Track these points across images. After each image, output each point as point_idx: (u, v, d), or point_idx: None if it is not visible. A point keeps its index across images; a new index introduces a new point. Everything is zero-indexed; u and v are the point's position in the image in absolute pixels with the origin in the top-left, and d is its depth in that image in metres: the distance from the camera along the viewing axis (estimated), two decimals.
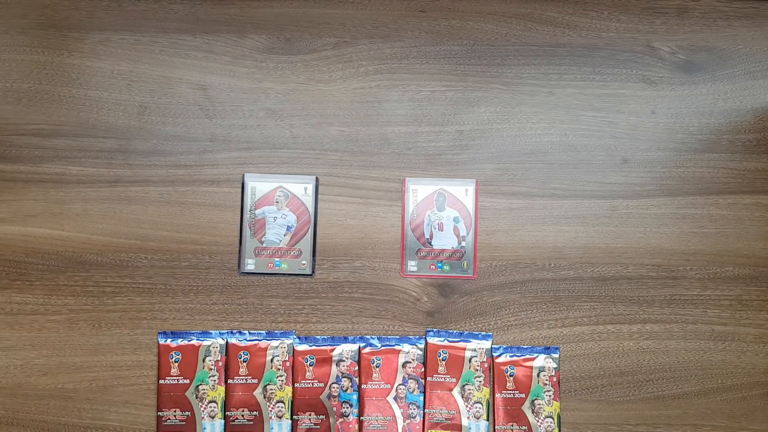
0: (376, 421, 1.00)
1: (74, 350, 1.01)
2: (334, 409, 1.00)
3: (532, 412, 1.01)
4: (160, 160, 1.03)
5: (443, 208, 1.03)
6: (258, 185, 1.03)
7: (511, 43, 1.05)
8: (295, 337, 1.02)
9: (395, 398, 1.00)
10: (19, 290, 1.01)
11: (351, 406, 1.00)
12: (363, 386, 1.01)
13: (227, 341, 1.01)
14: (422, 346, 1.02)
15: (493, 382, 1.02)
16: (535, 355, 1.02)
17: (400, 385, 1.01)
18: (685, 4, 1.05)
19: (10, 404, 1.00)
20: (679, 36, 1.05)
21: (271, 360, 1.01)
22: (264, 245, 1.02)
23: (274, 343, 1.01)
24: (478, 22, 1.05)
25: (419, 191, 1.03)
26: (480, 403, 1.01)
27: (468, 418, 1.00)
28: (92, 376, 1.01)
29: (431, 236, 1.03)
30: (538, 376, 1.01)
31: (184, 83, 1.04)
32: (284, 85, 1.04)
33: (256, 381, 1.01)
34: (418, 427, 1.00)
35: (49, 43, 1.04)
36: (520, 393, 1.01)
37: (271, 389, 1.00)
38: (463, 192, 1.04)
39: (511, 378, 1.02)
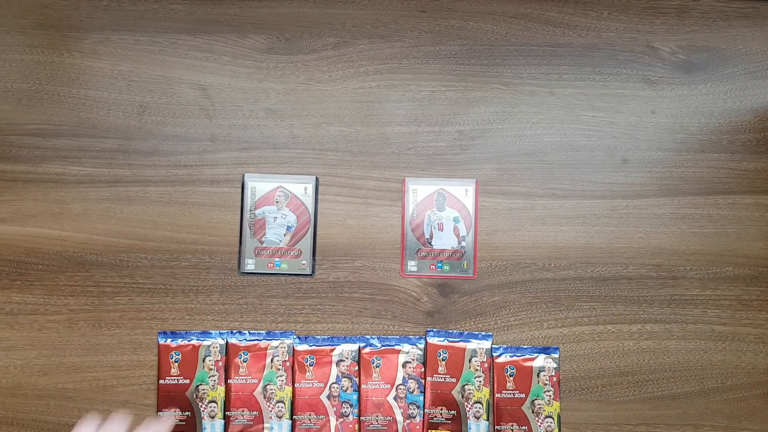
0: (376, 421, 1.00)
1: (74, 350, 1.01)
2: (334, 409, 1.00)
3: (532, 412, 1.01)
4: (160, 160, 1.03)
5: (443, 208, 1.03)
6: (258, 185, 1.03)
7: (511, 43, 1.05)
8: (295, 337, 1.02)
9: (395, 398, 1.01)
10: (19, 290, 1.02)
11: (351, 406, 1.00)
12: (363, 386, 1.01)
13: (227, 341, 1.01)
14: (422, 346, 1.02)
15: (493, 382, 1.02)
16: (535, 355, 1.02)
17: (400, 385, 1.01)
18: (685, 4, 1.05)
19: (10, 404, 1.01)
20: (679, 36, 1.05)
21: (271, 360, 1.01)
22: (264, 245, 1.02)
23: (274, 343, 1.01)
24: (478, 22, 1.05)
25: (419, 191, 1.03)
26: (480, 403, 1.01)
27: (468, 418, 1.01)
28: (92, 376, 1.01)
29: (431, 236, 1.03)
30: (538, 376, 1.01)
31: (184, 83, 1.04)
32: (284, 85, 1.04)
33: (256, 381, 1.01)
34: (418, 427, 1.00)
35: (49, 43, 1.04)
36: (520, 393, 1.01)
37: (271, 389, 1.00)
38: (463, 192, 1.03)
39: (511, 378, 1.02)
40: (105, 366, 1.01)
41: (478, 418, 1.00)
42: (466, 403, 1.01)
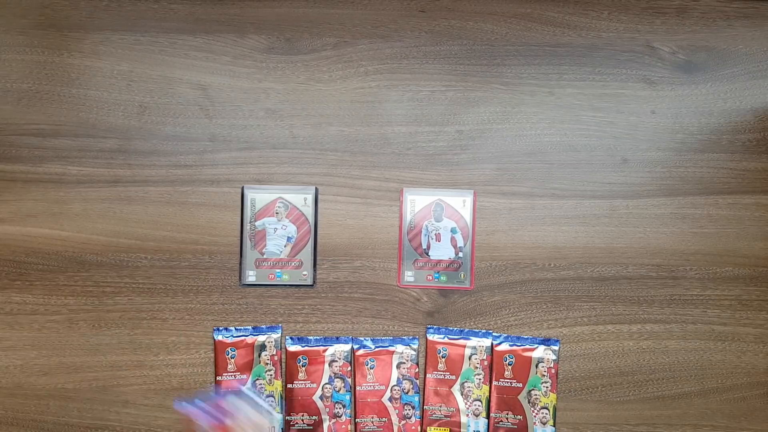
0: (372, 422, 1.00)
1: (74, 350, 1.01)
2: (327, 409, 1.00)
3: (529, 402, 1.01)
4: (160, 160, 1.03)
5: (441, 218, 1.03)
6: (258, 196, 1.03)
7: (511, 43, 1.05)
8: (287, 337, 1.02)
9: (390, 399, 1.01)
10: (19, 290, 1.02)
11: (344, 406, 1.00)
12: (358, 388, 1.01)
13: (214, 338, 1.01)
14: (416, 346, 1.02)
15: (492, 368, 1.02)
16: (535, 345, 1.02)
17: (394, 386, 1.01)
18: (685, 4, 1.05)
19: (10, 404, 1.01)
20: (679, 36, 1.05)
21: (259, 355, 1.01)
22: (265, 256, 1.02)
23: (261, 338, 1.01)
24: (478, 22, 1.05)
25: (417, 201, 1.03)
26: (479, 400, 1.01)
27: (467, 415, 1.01)
28: (92, 376, 1.01)
29: (428, 246, 1.03)
30: (536, 366, 1.01)
31: (184, 83, 1.04)
32: (284, 85, 1.04)
33: (245, 377, 1.01)
34: (413, 427, 1.00)
35: (49, 43, 1.04)
36: (517, 382, 1.02)
37: (261, 384, 1.01)
38: (461, 203, 1.03)
39: (510, 367, 1.02)
40: (105, 366, 1.01)
41: (477, 415, 1.01)
42: (465, 401, 1.01)
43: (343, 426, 1.00)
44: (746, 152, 1.04)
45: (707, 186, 1.04)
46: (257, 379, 1.01)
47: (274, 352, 1.01)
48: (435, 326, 1.03)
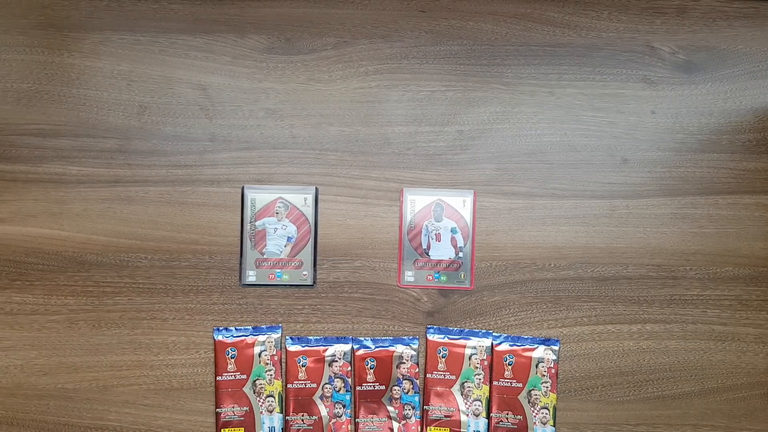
0: (371, 422, 1.00)
1: (74, 350, 1.01)
2: (327, 409, 1.00)
3: (529, 402, 1.01)
4: (160, 160, 1.03)
5: (441, 218, 1.03)
6: (258, 196, 1.03)
7: (511, 43, 1.05)
8: (287, 337, 1.02)
9: (390, 399, 1.01)
10: (19, 290, 1.02)
11: (344, 406, 1.00)
12: (358, 388, 1.01)
13: (214, 338, 1.02)
14: (416, 346, 1.02)
15: (492, 368, 1.02)
16: (535, 345, 1.02)
17: (394, 386, 1.01)
18: (685, 4, 1.05)
19: (10, 404, 1.01)
20: (679, 36, 1.05)
21: (259, 355, 1.01)
22: (265, 257, 1.02)
23: (261, 337, 1.02)
24: (478, 22, 1.05)
25: (417, 201, 1.03)
26: (479, 400, 1.01)
27: (467, 415, 1.01)
28: (92, 376, 1.01)
29: (428, 246, 1.03)
30: (536, 366, 1.02)
31: (184, 83, 1.04)
32: (284, 85, 1.04)
33: (245, 377, 1.01)
34: (413, 428, 1.00)
35: (49, 43, 1.04)
36: (517, 382, 1.02)
37: (261, 384, 1.01)
38: (461, 203, 1.03)
39: (510, 367, 1.02)
40: (105, 366, 1.01)
41: (477, 415, 1.01)
42: (465, 401, 1.01)
43: (343, 426, 1.00)
44: (746, 152, 1.04)
45: (707, 186, 1.04)
46: (257, 379, 1.01)
47: (274, 352, 1.01)
48: (435, 326, 1.03)
